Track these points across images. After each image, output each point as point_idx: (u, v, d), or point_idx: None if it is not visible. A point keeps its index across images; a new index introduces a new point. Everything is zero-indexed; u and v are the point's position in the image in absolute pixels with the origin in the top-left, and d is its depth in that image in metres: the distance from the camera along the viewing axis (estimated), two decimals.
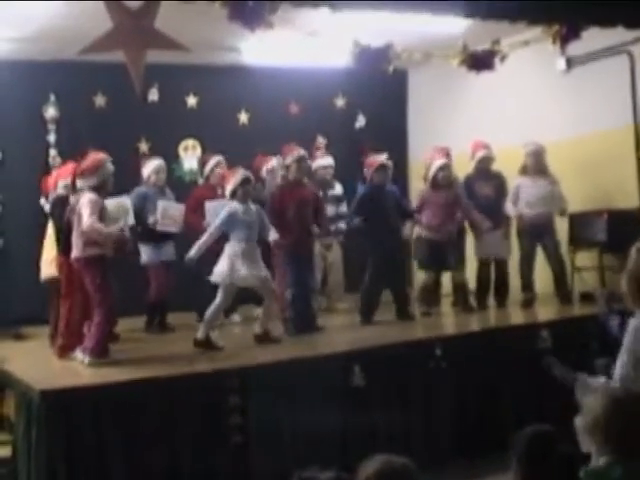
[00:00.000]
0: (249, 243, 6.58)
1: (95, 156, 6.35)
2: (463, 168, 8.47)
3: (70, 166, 7.03)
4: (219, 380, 5.55)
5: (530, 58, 8.28)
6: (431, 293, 8.23)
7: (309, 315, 7.26)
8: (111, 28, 6.08)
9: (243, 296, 7.47)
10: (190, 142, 9.75)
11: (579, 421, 3.33)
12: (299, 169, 7.39)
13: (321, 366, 5.95)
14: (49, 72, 8.82)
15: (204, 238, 6.59)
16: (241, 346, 6.76)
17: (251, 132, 9.85)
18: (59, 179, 7.12)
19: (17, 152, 8.76)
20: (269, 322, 6.87)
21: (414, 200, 8.61)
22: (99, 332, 6.04)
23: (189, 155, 9.74)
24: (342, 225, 8.52)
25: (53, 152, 8.93)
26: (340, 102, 10.65)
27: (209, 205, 7.72)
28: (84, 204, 6.03)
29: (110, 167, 6.35)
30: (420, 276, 8.84)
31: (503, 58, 7.24)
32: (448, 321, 8.17)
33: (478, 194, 8.24)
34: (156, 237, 7.86)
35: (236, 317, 8.29)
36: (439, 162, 8.04)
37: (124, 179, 7.44)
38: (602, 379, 4.35)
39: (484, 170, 8.38)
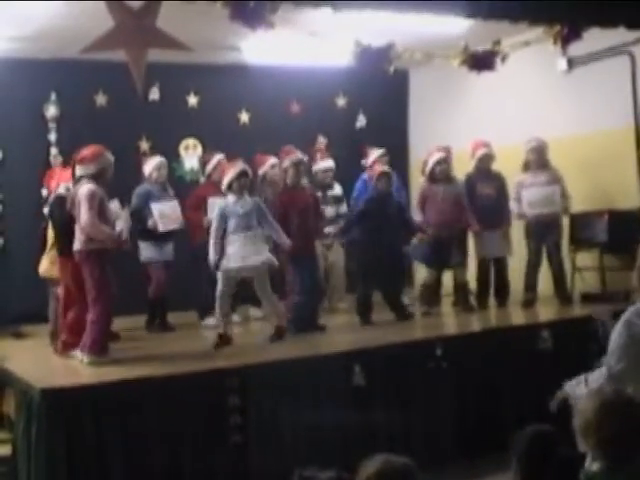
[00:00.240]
0: (242, 233, 6.59)
1: (94, 145, 6.38)
2: (464, 167, 8.48)
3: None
4: (219, 380, 5.55)
5: (531, 58, 8.28)
6: (432, 292, 8.23)
7: (310, 315, 7.26)
8: (112, 27, 6.08)
9: (243, 296, 7.48)
10: (191, 141, 9.74)
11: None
12: (296, 173, 7.40)
13: (322, 366, 5.95)
14: (50, 71, 8.80)
15: (212, 241, 6.61)
16: (241, 346, 6.76)
17: (252, 131, 9.84)
18: (61, 181, 7.11)
19: (18, 151, 8.75)
20: (282, 318, 6.87)
21: (415, 198, 8.61)
22: (96, 330, 6.03)
23: (190, 154, 9.73)
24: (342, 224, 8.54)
25: (54, 151, 8.92)
26: (341, 102, 10.64)
27: (212, 201, 7.73)
28: (83, 197, 6.02)
29: (109, 156, 6.37)
30: (420, 275, 8.85)
31: (504, 58, 7.24)
32: (448, 321, 8.17)
33: (479, 194, 8.25)
34: (157, 235, 7.87)
35: (236, 317, 8.28)
36: (436, 156, 8.08)
37: (125, 178, 7.45)
38: (581, 377, 4.40)
39: (485, 169, 8.38)
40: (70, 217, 6.22)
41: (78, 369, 5.98)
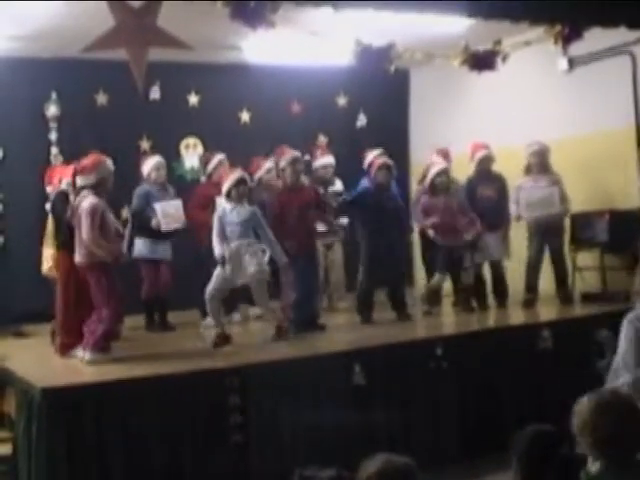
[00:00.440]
0: (238, 241, 6.58)
1: (95, 155, 6.39)
2: (464, 168, 8.47)
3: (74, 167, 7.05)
4: (219, 379, 5.55)
5: (532, 58, 8.28)
6: (435, 293, 8.23)
7: (311, 315, 7.26)
8: (113, 26, 6.08)
9: (243, 295, 7.47)
10: (191, 140, 9.75)
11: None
12: (294, 172, 7.41)
13: (322, 365, 5.95)
14: (51, 70, 8.80)
15: (215, 240, 6.61)
16: (241, 345, 6.76)
17: (252, 131, 9.85)
18: (63, 177, 7.11)
19: (18, 150, 8.75)
20: (283, 319, 6.88)
21: (414, 198, 8.61)
22: (101, 330, 6.05)
23: (190, 153, 9.73)
24: (344, 221, 8.54)
25: (54, 150, 8.93)
26: (342, 101, 10.64)
27: (220, 201, 7.70)
28: (84, 214, 6.05)
29: (110, 166, 6.39)
30: (420, 275, 8.85)
31: (505, 58, 7.23)
32: (449, 321, 8.16)
33: (480, 196, 8.22)
34: (153, 234, 7.85)
35: (236, 316, 8.29)
36: (437, 167, 8.01)
37: (125, 177, 7.46)
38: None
39: (485, 171, 8.36)
40: (70, 226, 6.23)
41: (79, 368, 5.98)
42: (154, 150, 9.03)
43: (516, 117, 9.22)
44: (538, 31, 7.08)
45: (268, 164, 8.41)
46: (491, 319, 8.06)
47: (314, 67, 9.54)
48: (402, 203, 8.04)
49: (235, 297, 7.43)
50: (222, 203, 6.98)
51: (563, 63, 8.68)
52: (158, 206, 7.80)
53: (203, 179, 8.82)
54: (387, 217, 7.55)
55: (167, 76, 9.21)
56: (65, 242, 6.43)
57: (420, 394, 6.28)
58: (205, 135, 9.63)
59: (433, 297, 8.14)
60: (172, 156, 9.26)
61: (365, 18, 6.17)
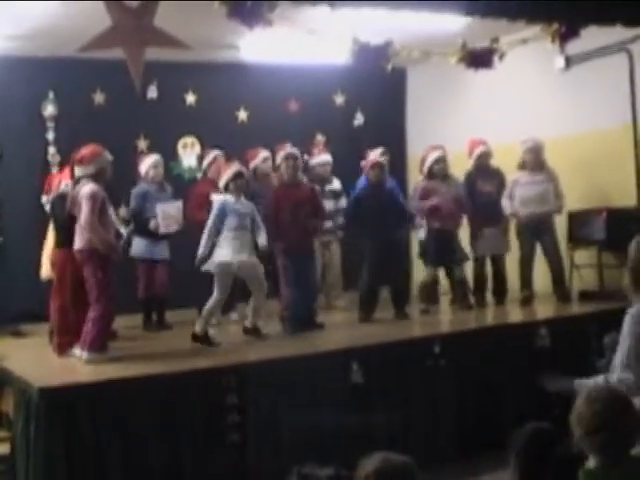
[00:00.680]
0: (240, 231, 6.64)
1: (93, 145, 6.39)
2: (461, 166, 8.47)
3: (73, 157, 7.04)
4: (217, 378, 5.55)
5: (529, 56, 8.27)
6: (431, 290, 8.23)
7: (308, 313, 7.27)
8: (110, 25, 6.08)
9: (241, 294, 7.47)
10: (189, 139, 9.74)
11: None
12: (289, 167, 7.39)
13: (319, 363, 5.95)
14: (48, 69, 8.80)
15: (205, 237, 6.62)
16: (239, 344, 6.77)
17: (250, 129, 9.84)
18: (63, 180, 7.11)
19: (16, 150, 8.74)
20: (259, 318, 6.89)
21: (411, 194, 8.61)
22: (96, 328, 6.03)
23: (188, 153, 9.73)
24: (341, 219, 8.54)
25: (52, 150, 8.92)
26: (339, 99, 10.64)
27: (216, 199, 7.71)
28: (84, 198, 6.03)
29: (108, 156, 6.40)
30: (418, 274, 8.85)
31: (502, 56, 7.22)
32: (447, 319, 8.17)
33: (480, 191, 8.25)
34: (151, 234, 7.85)
35: (234, 315, 8.29)
36: (434, 155, 8.07)
37: (123, 176, 7.45)
38: (600, 377, 4.38)
39: (484, 166, 8.38)
40: (70, 216, 6.22)
41: (76, 368, 5.97)
42: (152, 149, 9.02)
43: (513, 115, 9.22)
44: (535, 29, 7.07)
45: (264, 153, 8.41)
46: (489, 317, 8.07)
47: (311, 66, 9.53)
48: (401, 201, 8.03)
49: (233, 296, 7.43)
50: (219, 198, 6.99)
51: (560, 61, 8.69)
52: (159, 208, 7.79)
53: (199, 175, 8.82)
54: (386, 215, 7.56)
55: (164, 75, 9.21)
56: (64, 240, 6.43)
57: (418, 392, 6.28)
58: (203, 134, 9.62)
59: (428, 294, 8.14)
60: (170, 155, 9.25)
61: (362, 16, 6.17)
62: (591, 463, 3.00)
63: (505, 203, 8.15)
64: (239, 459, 5.50)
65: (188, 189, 8.51)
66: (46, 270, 7.26)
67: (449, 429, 6.36)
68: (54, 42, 7.93)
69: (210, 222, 6.71)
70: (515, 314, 7.95)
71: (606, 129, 8.39)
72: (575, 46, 7.52)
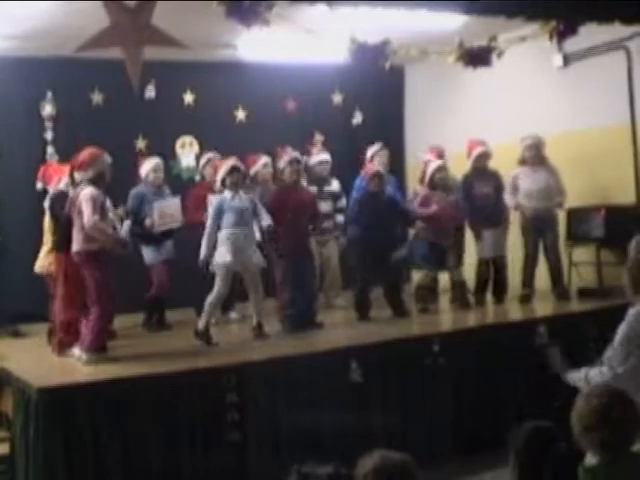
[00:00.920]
0: (239, 228, 6.64)
1: (91, 149, 6.38)
2: (460, 165, 8.48)
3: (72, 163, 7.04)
4: (216, 377, 5.55)
5: (527, 54, 8.27)
6: (428, 291, 8.22)
7: (308, 312, 7.27)
8: (108, 25, 6.07)
9: (241, 293, 7.47)
10: (187, 139, 9.73)
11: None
12: (293, 172, 7.42)
13: (318, 362, 5.96)
14: (46, 69, 8.78)
15: (205, 237, 6.63)
16: (238, 343, 6.77)
17: (248, 128, 9.84)
18: (62, 176, 7.10)
19: (14, 149, 8.72)
20: (261, 316, 6.88)
21: (409, 196, 8.61)
22: (95, 328, 6.04)
23: (186, 152, 9.72)
24: (340, 218, 8.55)
25: (50, 149, 8.91)
26: (337, 98, 10.64)
27: (213, 199, 7.71)
28: (84, 200, 6.04)
29: (107, 159, 6.40)
30: (417, 274, 8.84)
31: (500, 54, 7.22)
32: (446, 317, 8.17)
33: (477, 193, 8.23)
34: (156, 237, 7.86)
35: (233, 314, 8.30)
36: (435, 164, 8.07)
37: (121, 176, 7.44)
38: (582, 371, 4.41)
39: (482, 168, 8.35)
40: (68, 217, 6.23)
41: (75, 368, 5.98)
42: (150, 149, 9.03)
43: (511, 113, 9.22)
44: (533, 27, 7.07)
45: (264, 159, 8.42)
46: (487, 315, 8.06)
47: (309, 65, 9.53)
48: (403, 207, 8.01)
49: (232, 295, 7.43)
50: (215, 199, 7.00)
51: (558, 59, 8.70)
52: (156, 205, 7.79)
53: (197, 178, 8.81)
54: (384, 219, 7.55)
55: (162, 75, 9.20)
56: (60, 243, 6.43)
57: (417, 390, 6.29)
58: (201, 133, 9.62)
59: (425, 295, 8.13)
60: (168, 155, 9.24)
61: (360, 15, 6.17)
62: (590, 460, 3.00)
63: (508, 197, 8.15)
64: (239, 458, 5.51)
65: (186, 189, 8.51)
66: (40, 263, 7.26)
67: (448, 427, 6.36)
68: (52, 42, 7.91)
69: (209, 223, 6.72)
70: (514, 312, 7.95)
71: (604, 126, 8.39)
72: (573, 44, 7.54)
